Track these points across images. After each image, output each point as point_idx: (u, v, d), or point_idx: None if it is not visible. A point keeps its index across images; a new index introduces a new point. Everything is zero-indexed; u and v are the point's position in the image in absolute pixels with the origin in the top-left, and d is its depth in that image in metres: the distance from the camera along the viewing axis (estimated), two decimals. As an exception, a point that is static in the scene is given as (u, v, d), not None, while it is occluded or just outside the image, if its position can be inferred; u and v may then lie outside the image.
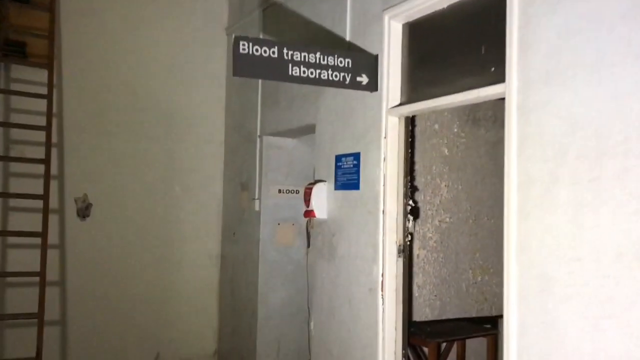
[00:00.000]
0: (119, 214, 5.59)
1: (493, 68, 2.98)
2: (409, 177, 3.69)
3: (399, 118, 3.61)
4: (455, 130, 4.46)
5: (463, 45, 3.23)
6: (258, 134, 5.35)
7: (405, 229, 3.63)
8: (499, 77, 2.86)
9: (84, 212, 5.48)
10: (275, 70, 3.43)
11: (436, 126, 4.31)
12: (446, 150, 4.39)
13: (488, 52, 3.04)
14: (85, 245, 5.41)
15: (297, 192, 5.42)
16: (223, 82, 6.11)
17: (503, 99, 2.93)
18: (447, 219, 4.39)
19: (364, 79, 3.70)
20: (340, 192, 4.04)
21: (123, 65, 5.61)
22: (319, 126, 4.38)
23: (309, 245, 5.33)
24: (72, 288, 5.34)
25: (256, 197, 5.32)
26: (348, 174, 3.96)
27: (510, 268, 2.66)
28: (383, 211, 3.58)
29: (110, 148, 5.55)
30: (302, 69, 3.49)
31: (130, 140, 5.65)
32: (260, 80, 5.30)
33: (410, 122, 3.79)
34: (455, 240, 4.44)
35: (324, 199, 4.21)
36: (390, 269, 3.55)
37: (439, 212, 4.35)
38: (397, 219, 3.58)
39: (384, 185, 3.59)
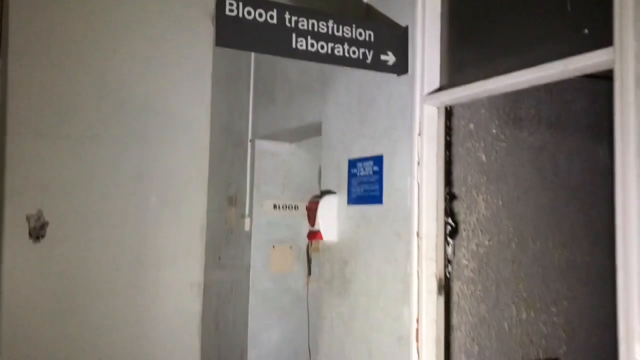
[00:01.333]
0: (81, 234, 4.62)
1: (586, 29, 2.10)
2: (448, 188, 2.77)
3: (439, 108, 2.70)
4: (494, 131, 3.55)
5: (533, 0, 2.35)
6: (249, 137, 4.42)
7: (446, 256, 2.71)
8: (598, 40, 1.97)
9: (38, 232, 4.51)
10: (274, 42, 2.53)
11: (471, 126, 3.41)
12: (484, 156, 3.48)
13: (577, 7, 2.15)
14: (37, 272, 4.43)
15: (296, 207, 4.48)
16: (208, 76, 5.19)
17: (590, 76, 2.05)
18: (486, 242, 3.48)
19: (389, 58, 2.80)
20: (356, 208, 3.13)
21: (87, 56, 4.68)
22: (326, 124, 3.47)
23: (309, 273, 4.39)
24: (17, 325, 4.34)
25: (246, 213, 4.38)
26: (366, 183, 3.04)
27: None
28: (418, 233, 2.66)
29: (71, 155, 4.60)
30: (310, 41, 2.59)
31: (96, 145, 4.70)
32: (252, 72, 4.38)
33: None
34: (495, 268, 3.53)
35: (333, 217, 3.28)
36: (428, 311, 2.62)
37: (476, 234, 3.43)
38: (436, 243, 2.66)
39: (419, 198, 2.67)
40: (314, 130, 3.82)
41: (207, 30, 5.16)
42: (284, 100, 3.98)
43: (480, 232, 3.41)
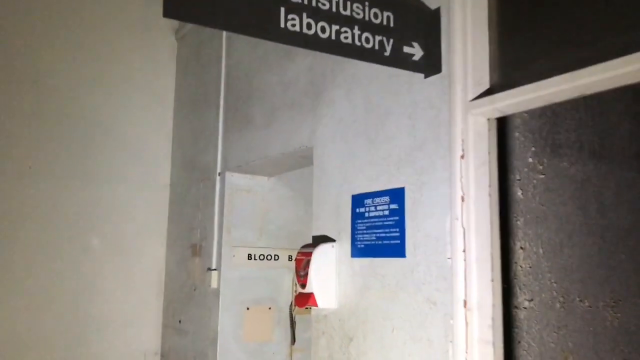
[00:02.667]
0: (8, 286, 3.62)
1: None
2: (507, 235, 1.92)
3: (489, 119, 1.87)
4: (530, 160, 2.75)
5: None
6: (218, 170, 3.54)
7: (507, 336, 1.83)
8: None
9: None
10: (252, 16, 1.69)
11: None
12: (520, 192, 2.66)
13: None
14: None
15: (277, 257, 3.57)
16: (170, 100, 4.31)
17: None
18: (526, 303, 2.64)
19: (415, 51, 1.98)
20: (364, 262, 2.25)
21: (25, 75, 3.78)
22: (319, 149, 2.61)
23: (293, 341, 3.46)
24: None
25: (213, 266, 3.45)
26: (380, 228, 2.18)
27: None
28: (465, 302, 1.79)
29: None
30: (306, 20, 1.76)
31: (28, 179, 3.74)
32: (222, 88, 3.52)
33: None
34: (538, 335, 2.68)
35: (331, 274, 2.39)
36: (484, 423, 1.72)
37: (514, 291, 2.59)
38: (493, 317, 1.78)
39: (465, 249, 1.81)
40: (302, 159, 2.96)
41: (169, 50, 4.31)
42: (263, 122, 3.12)
43: (519, 289, 2.56)
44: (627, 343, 2.87)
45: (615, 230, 3.00)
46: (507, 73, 1.85)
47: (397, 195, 2.11)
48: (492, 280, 1.79)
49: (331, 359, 2.38)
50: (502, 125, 1.94)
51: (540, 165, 2.73)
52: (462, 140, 1.86)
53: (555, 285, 2.69)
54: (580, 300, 2.80)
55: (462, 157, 1.85)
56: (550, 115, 2.62)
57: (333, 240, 2.43)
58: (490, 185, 1.83)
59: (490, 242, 1.81)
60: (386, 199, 2.16)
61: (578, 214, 2.86)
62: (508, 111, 1.80)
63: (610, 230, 3.00)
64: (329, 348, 2.39)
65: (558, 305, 2.69)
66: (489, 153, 1.85)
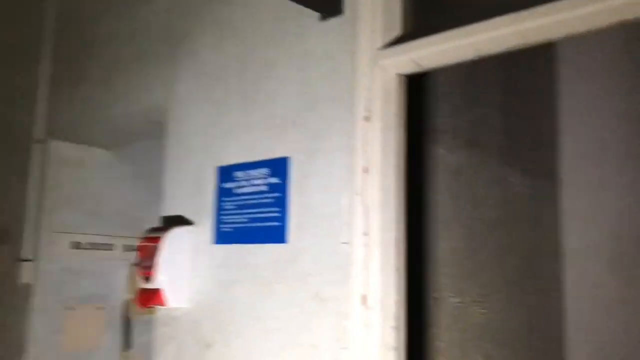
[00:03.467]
0: None
1: None
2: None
3: (398, 76, 1.53)
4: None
5: None
6: (37, 136, 2.82)
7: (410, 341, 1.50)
8: None
9: None
10: None
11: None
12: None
13: None
14: None
15: (111, 247, 2.95)
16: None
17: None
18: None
19: (312, -15, 1.58)
20: (231, 250, 1.79)
21: None
22: (176, 111, 2.10)
23: (127, 347, 2.88)
24: None
25: (27, 256, 2.72)
26: (254, 207, 1.74)
27: None
28: (364, 298, 1.43)
29: None
30: None
31: None
32: (49, 37, 2.82)
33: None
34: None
35: (186, 264, 1.90)
36: None
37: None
38: (397, 316, 1.44)
39: (366, 232, 1.45)
40: (152, 126, 2.40)
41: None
42: (102, 77, 2.50)
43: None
44: (490, 339, 2.74)
45: (483, 223, 2.89)
46: (426, 16, 1.52)
47: (279, 166, 1.69)
48: (398, 270, 1.45)
49: (181, 370, 1.89)
50: (417, 83, 1.61)
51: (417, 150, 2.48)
52: (367, 99, 1.50)
53: (429, 280, 2.46)
54: (452, 296, 2.63)
55: (367, 119, 1.49)
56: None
57: (190, 223, 1.93)
58: (398, 154, 1.49)
59: (395, 225, 1.47)
60: (264, 171, 1.73)
61: (451, 203, 2.69)
62: (425, 64, 1.47)
63: (479, 223, 2.88)
64: (179, 357, 1.89)
65: (431, 301, 2.46)
66: (398, 113, 1.51)
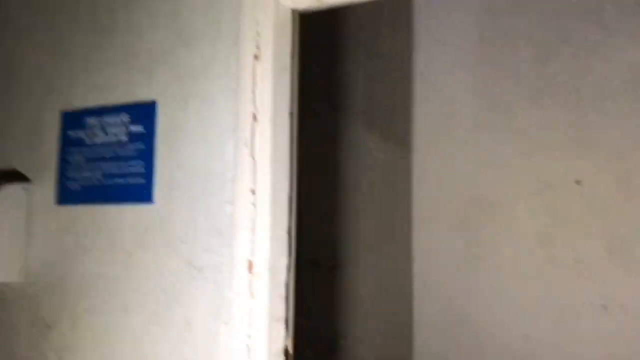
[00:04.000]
0: None
1: None
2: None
3: (293, 12, 1.34)
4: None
5: None
6: None
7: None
8: None
9: None
10: None
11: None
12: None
13: None
14: None
15: None
16: None
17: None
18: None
19: None
20: (81, 211, 1.48)
21: None
22: (7, 45, 1.68)
23: None
24: None
25: None
26: (111, 161, 1.45)
27: None
28: (250, 264, 1.25)
29: None
30: None
31: None
32: None
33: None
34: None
35: (19, 229, 1.54)
36: None
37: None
38: (286, 283, 1.28)
39: (255, 190, 1.26)
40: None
41: None
42: None
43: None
44: (345, 303, 2.75)
45: (344, 189, 2.86)
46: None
47: (143, 112, 1.42)
48: (289, 233, 1.29)
49: (11, 358, 1.54)
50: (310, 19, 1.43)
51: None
52: (257, 34, 1.29)
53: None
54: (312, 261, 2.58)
55: (257, 58, 1.29)
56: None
57: (26, 180, 1.57)
58: (292, 100, 1.31)
59: (289, 179, 1.30)
60: (124, 117, 1.44)
61: (317, 167, 2.60)
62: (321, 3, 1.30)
63: (339, 188, 2.84)
64: (10, 342, 1.54)
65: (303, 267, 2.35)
66: (292, 56, 1.33)
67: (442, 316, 2.93)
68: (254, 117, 1.27)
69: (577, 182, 2.70)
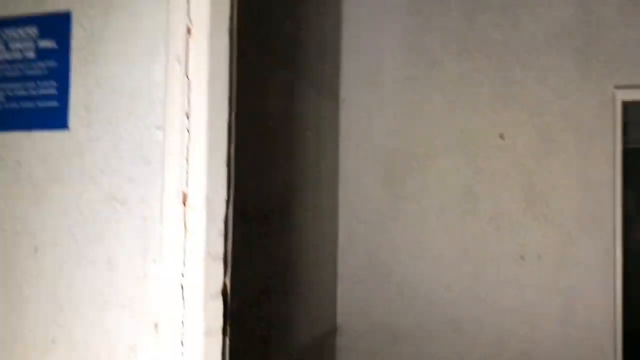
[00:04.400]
0: None
1: None
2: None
3: None
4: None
5: None
6: None
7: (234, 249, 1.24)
8: None
9: None
10: None
11: None
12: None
13: None
14: None
15: None
16: None
17: None
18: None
19: None
20: (-22, 140, 1.28)
21: None
22: None
23: None
24: None
25: None
26: (16, 81, 1.24)
27: None
28: (184, 197, 1.11)
29: None
30: None
31: None
32: None
33: None
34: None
35: None
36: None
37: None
38: (225, 220, 1.16)
39: (189, 113, 1.12)
40: None
41: None
42: None
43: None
44: (269, 258, 2.68)
45: (273, 137, 2.75)
46: None
47: (55, 24, 1.22)
48: (228, 163, 1.16)
49: None
50: None
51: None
52: (192, -64, 1.13)
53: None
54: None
55: (193, -38, 1.13)
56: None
57: None
58: (232, 10, 1.17)
59: (228, 101, 1.17)
60: (32, 30, 1.24)
61: (245, 112, 2.46)
62: None
63: (268, 136, 2.73)
64: None
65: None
66: (232, -40, 1.18)
67: (366, 267, 2.92)
68: (188, 31, 1.12)
69: (501, 136, 2.74)
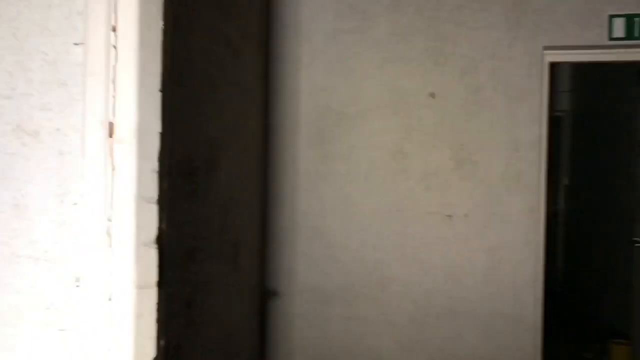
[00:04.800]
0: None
1: None
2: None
3: None
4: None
5: None
6: None
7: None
8: None
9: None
10: None
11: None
12: None
13: None
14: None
15: None
16: None
17: None
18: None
19: None
20: None
21: None
22: None
23: None
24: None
25: None
26: None
27: None
28: (111, 128, 0.93)
29: None
30: None
31: None
32: None
33: None
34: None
35: None
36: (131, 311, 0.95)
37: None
38: (159, 156, 1.00)
39: (114, 28, 0.93)
40: None
41: None
42: None
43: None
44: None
45: (205, 81, 2.56)
46: None
47: None
48: (164, 88, 0.99)
49: None
50: None
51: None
52: None
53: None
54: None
55: None
56: None
57: None
58: None
59: (162, 15, 0.99)
60: None
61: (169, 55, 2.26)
62: None
63: (197, 79, 2.54)
64: None
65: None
66: None
67: (295, 228, 2.83)
68: None
69: (432, 95, 2.69)
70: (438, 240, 2.69)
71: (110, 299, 0.91)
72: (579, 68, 3.85)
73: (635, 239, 2.85)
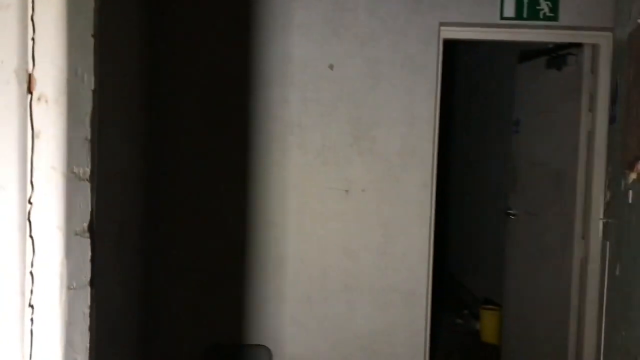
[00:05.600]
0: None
1: None
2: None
3: None
4: None
5: None
6: None
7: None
8: None
9: None
10: None
11: None
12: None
13: None
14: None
15: None
16: None
17: None
18: None
19: None
20: None
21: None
22: None
23: None
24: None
25: None
26: None
27: None
28: (30, 82, 0.70)
29: None
30: None
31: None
32: None
33: None
34: None
35: None
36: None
37: None
38: (92, 121, 0.78)
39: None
40: None
41: None
42: None
43: None
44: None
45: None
46: None
47: None
48: (96, 34, 0.77)
49: None
50: None
51: None
52: None
53: None
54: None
55: None
56: None
57: None
58: None
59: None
60: None
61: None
62: None
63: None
64: None
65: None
66: None
67: (184, 205, 2.63)
68: None
69: (330, 66, 2.61)
70: (335, 216, 2.63)
71: (32, 306, 0.70)
72: (474, 44, 3.99)
73: (509, 210, 3.02)
